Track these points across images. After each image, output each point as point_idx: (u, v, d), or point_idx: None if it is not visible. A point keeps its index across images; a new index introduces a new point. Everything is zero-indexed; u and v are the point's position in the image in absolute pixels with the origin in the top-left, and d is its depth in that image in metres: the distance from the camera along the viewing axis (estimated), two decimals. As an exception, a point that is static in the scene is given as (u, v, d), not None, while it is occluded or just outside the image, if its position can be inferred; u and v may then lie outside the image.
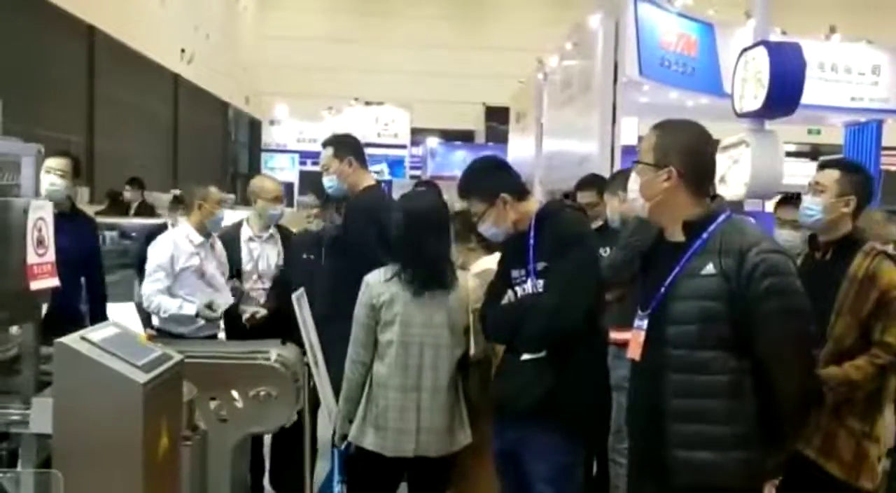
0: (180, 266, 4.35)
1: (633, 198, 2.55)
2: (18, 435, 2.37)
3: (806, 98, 8.73)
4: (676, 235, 2.46)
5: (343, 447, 3.41)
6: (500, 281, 3.16)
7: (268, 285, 4.71)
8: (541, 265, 2.99)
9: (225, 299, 4.44)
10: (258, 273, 4.73)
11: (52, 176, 4.29)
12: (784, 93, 8.41)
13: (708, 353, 2.33)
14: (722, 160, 9.55)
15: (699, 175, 2.45)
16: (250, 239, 4.78)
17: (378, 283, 3.31)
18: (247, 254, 4.76)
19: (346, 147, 4.20)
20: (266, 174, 5.03)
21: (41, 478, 2.15)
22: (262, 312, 4.49)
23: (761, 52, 8.61)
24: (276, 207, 4.75)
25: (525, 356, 3.00)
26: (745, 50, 9.14)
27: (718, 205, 2.46)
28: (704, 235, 2.39)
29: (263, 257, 4.76)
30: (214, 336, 4.45)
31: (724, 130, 9.66)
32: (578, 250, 3.01)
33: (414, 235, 3.31)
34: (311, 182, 4.69)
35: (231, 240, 4.78)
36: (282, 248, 4.82)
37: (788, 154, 11.32)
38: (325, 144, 4.28)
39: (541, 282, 2.98)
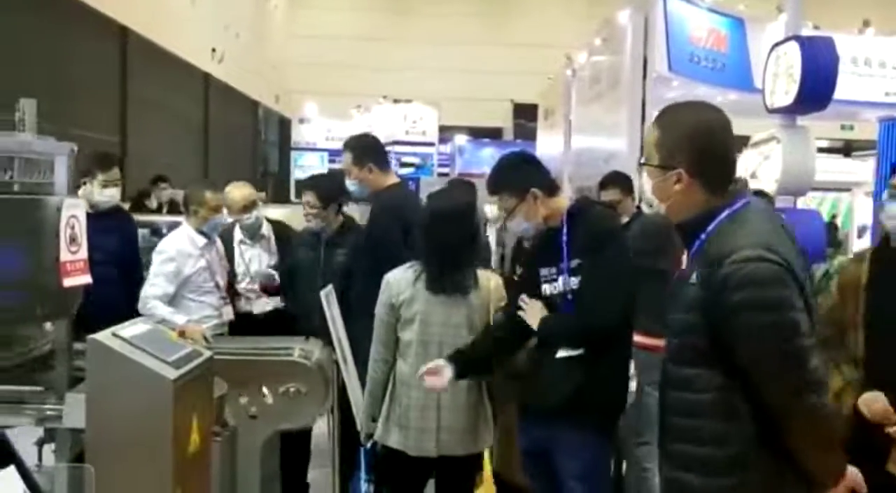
0: (188, 273, 4.38)
1: (650, 197, 2.47)
2: (53, 430, 2.42)
3: (839, 93, 8.60)
4: None
5: (369, 445, 3.43)
6: (527, 279, 3.14)
7: (258, 286, 4.81)
8: (574, 262, 2.97)
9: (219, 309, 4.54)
10: (250, 275, 4.81)
11: (111, 188, 4.54)
12: (816, 88, 8.29)
13: (690, 369, 2.12)
14: (752, 156, 9.45)
15: (713, 169, 2.16)
16: (241, 242, 4.85)
17: (398, 281, 3.32)
18: (238, 256, 4.84)
19: (365, 153, 4.22)
20: (236, 183, 4.93)
21: (74, 472, 2.19)
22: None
23: (793, 46, 8.50)
24: (243, 216, 4.78)
25: (561, 354, 2.99)
26: (776, 45, 9.04)
27: (724, 200, 2.15)
28: (703, 236, 2.13)
29: (255, 259, 4.84)
30: (222, 334, 4.49)
31: (754, 126, 9.57)
32: (613, 247, 2.99)
33: (435, 234, 3.31)
34: (311, 181, 4.67)
35: (225, 242, 4.86)
36: (276, 248, 4.89)
37: (821, 150, 11.16)
38: (345, 147, 4.31)
39: (574, 279, 2.96)
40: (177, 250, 4.38)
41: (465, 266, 3.32)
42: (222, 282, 4.54)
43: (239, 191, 4.81)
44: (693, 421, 2.12)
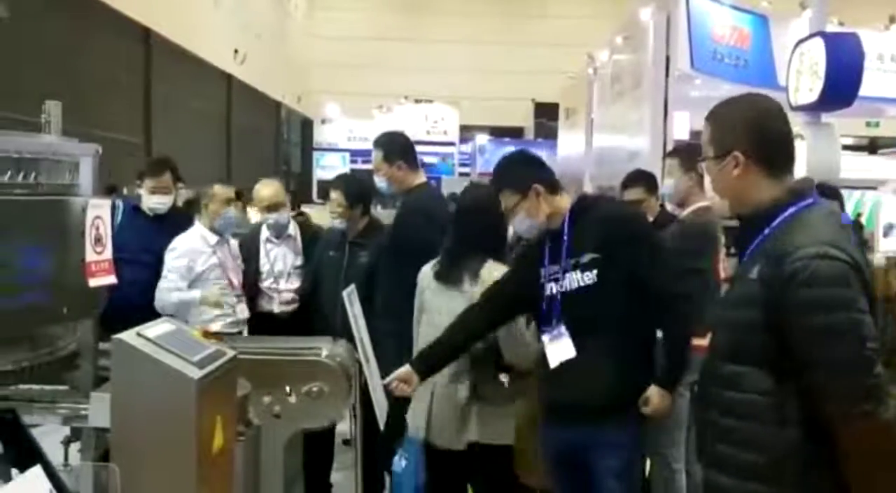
0: (199, 269, 4.43)
1: (712, 195, 2.43)
2: (79, 429, 2.44)
3: (864, 90, 8.54)
4: None
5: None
6: (521, 278, 3.13)
7: (283, 285, 4.82)
8: (587, 257, 2.92)
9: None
10: (275, 274, 4.82)
11: (158, 196, 4.62)
12: (841, 85, 8.23)
13: (739, 367, 2.05)
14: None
15: (770, 152, 2.10)
16: (268, 240, 4.87)
17: (424, 271, 3.47)
18: (263, 255, 4.86)
19: (396, 150, 4.22)
20: (266, 180, 5.00)
21: (99, 471, 2.20)
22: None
23: (818, 43, 8.43)
24: (269, 215, 4.80)
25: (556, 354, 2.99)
26: (800, 41, 8.96)
27: (792, 194, 2.09)
28: (766, 231, 2.07)
29: (280, 257, 4.85)
30: (240, 333, 4.53)
31: (779, 124, 9.47)
32: (641, 229, 3.03)
33: (455, 227, 3.46)
34: (338, 180, 4.71)
35: (251, 240, 4.88)
36: (300, 247, 4.90)
37: (845, 147, 11.03)
38: (375, 144, 4.31)
39: (590, 273, 2.91)
40: (188, 248, 4.43)
41: (470, 257, 3.34)
42: (236, 280, 4.57)
43: (267, 188, 4.84)
44: (732, 421, 2.06)
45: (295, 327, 4.55)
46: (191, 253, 4.41)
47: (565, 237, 2.99)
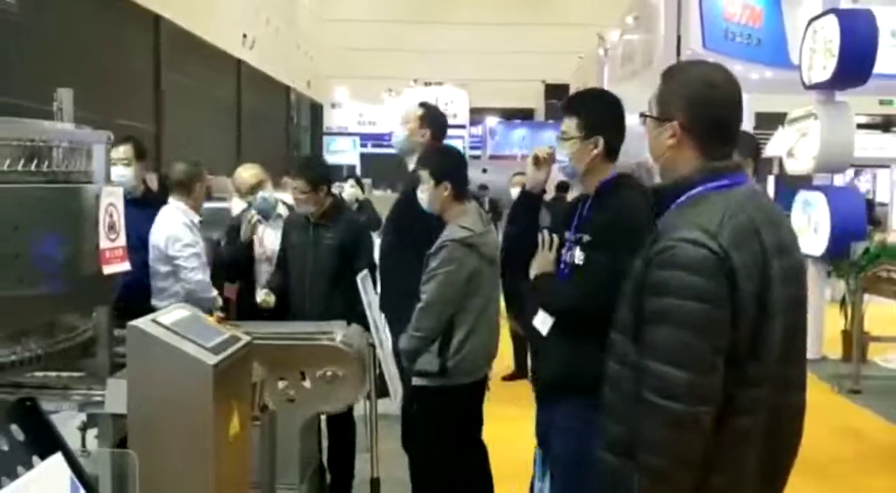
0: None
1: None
2: (95, 415, 2.45)
3: (878, 67, 8.44)
4: None
5: None
6: (552, 240, 3.03)
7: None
8: (587, 237, 2.79)
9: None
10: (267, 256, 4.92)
11: (119, 167, 4.48)
12: (855, 62, 8.14)
13: (613, 335, 2.06)
14: (790, 133, 9.30)
15: (707, 129, 2.03)
16: (258, 221, 4.97)
17: None
18: (257, 241, 4.98)
19: (431, 119, 4.28)
20: (245, 165, 5.19)
21: (117, 457, 2.21)
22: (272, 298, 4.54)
23: (831, 20, 8.34)
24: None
25: (536, 324, 2.90)
26: (813, 19, 8.87)
27: (708, 172, 2.02)
28: (672, 207, 2.03)
29: (272, 240, 4.91)
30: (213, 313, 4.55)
31: (792, 103, 9.41)
32: (624, 244, 2.62)
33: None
34: (298, 168, 4.57)
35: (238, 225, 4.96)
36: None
37: (859, 126, 10.92)
38: (420, 105, 4.37)
39: (581, 253, 2.79)
40: (182, 232, 4.51)
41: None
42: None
43: (247, 171, 4.99)
44: (606, 390, 2.08)
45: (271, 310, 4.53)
46: (193, 237, 4.51)
47: (587, 210, 2.91)
